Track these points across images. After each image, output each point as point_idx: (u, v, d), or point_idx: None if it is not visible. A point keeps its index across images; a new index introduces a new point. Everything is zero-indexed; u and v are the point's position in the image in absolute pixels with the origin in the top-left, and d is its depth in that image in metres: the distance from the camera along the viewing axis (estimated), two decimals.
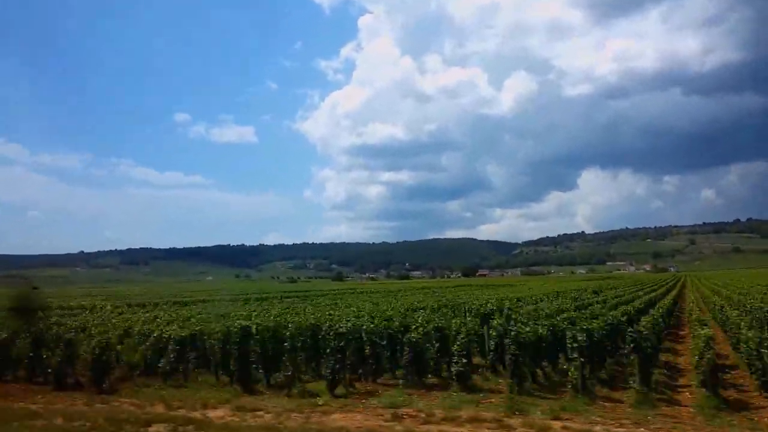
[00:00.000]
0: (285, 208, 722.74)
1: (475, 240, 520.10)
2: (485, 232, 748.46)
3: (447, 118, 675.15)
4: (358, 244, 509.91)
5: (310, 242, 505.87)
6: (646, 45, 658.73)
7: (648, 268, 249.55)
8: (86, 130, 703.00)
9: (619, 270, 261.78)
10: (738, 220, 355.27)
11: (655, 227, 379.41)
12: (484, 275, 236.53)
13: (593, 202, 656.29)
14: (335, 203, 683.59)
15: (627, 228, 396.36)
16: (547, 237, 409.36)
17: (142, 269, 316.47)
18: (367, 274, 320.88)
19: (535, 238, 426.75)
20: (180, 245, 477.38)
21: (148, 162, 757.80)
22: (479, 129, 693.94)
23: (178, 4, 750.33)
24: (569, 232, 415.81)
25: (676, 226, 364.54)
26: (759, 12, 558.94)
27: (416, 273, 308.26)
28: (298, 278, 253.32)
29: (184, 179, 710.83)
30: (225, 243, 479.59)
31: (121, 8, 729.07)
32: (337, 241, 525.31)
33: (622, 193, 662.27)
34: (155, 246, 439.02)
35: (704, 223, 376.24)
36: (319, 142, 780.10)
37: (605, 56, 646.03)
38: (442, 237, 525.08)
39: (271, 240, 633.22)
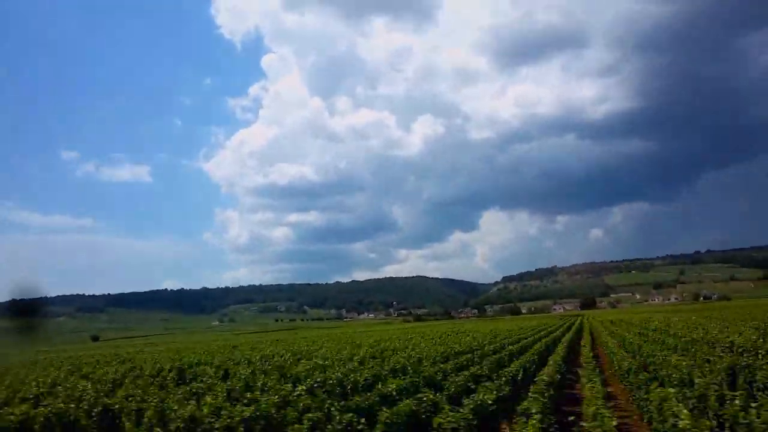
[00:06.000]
0: (184, 252, 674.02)
1: (426, 278, 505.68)
2: (389, 271, 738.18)
3: (355, 159, 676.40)
4: (308, 286, 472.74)
5: (258, 284, 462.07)
6: (547, 92, 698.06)
7: (677, 298, 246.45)
8: None
9: (647, 301, 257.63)
10: (709, 251, 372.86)
11: (627, 260, 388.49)
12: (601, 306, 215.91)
13: (492, 241, 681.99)
14: (238, 245, 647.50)
15: (595, 261, 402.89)
16: (527, 272, 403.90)
17: (100, 317, 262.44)
18: (366, 314, 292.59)
19: (515, 273, 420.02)
20: (99, 292, 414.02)
21: (32, 204, 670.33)
22: (387, 170, 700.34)
23: (72, 28, 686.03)
24: (542, 266, 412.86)
25: (657, 258, 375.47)
26: (648, 64, 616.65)
27: (423, 311, 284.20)
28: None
29: (73, 222, 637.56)
30: (158, 288, 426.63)
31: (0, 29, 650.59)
32: (284, 283, 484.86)
33: (519, 232, 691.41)
34: (83, 293, 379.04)
35: (667, 255, 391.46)
36: (224, 182, 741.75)
37: (508, 102, 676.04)
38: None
39: (170, 285, 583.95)
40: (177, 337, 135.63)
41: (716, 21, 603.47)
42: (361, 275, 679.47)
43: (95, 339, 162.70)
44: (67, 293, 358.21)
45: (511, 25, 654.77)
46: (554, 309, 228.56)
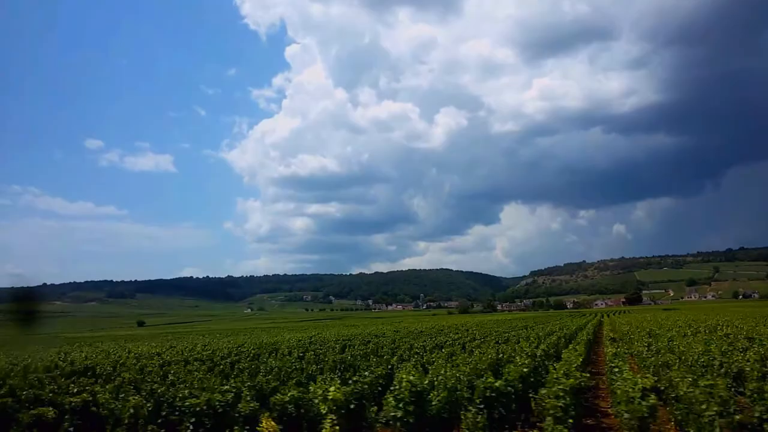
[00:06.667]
0: (205, 241, 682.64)
1: (449, 271, 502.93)
2: (408, 264, 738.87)
3: (377, 151, 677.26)
4: (331, 276, 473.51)
5: (282, 273, 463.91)
6: (574, 85, 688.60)
7: (713, 296, 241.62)
8: None
9: (682, 298, 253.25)
10: (743, 248, 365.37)
11: (657, 256, 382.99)
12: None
13: (513, 235, 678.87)
14: (259, 235, 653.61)
15: (625, 257, 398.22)
16: (555, 266, 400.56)
17: (131, 303, 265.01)
18: (394, 306, 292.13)
19: (543, 267, 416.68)
20: (127, 278, 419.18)
21: (57, 191, 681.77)
22: (409, 163, 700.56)
23: (97, 19, 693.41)
24: (568, 261, 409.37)
25: (689, 254, 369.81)
26: (677, 58, 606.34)
27: (451, 304, 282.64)
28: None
29: (96, 210, 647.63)
30: (179, 276, 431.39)
31: (29, 21, 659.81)
32: (305, 273, 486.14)
33: (541, 226, 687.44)
34: (111, 279, 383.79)
35: (699, 252, 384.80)
36: (246, 172, 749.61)
37: (533, 95, 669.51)
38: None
39: (191, 273, 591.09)
40: (223, 324, 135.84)
41: (747, 14, 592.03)
42: (380, 267, 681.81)
43: (141, 324, 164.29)
44: (96, 279, 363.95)
45: (537, 16, 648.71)
46: (596, 304, 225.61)
